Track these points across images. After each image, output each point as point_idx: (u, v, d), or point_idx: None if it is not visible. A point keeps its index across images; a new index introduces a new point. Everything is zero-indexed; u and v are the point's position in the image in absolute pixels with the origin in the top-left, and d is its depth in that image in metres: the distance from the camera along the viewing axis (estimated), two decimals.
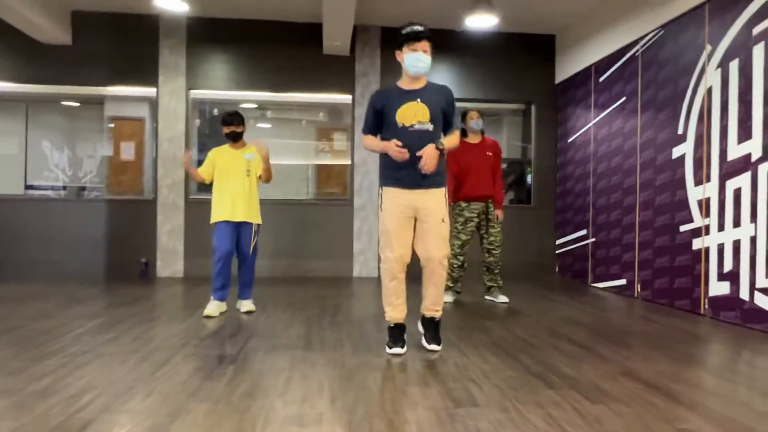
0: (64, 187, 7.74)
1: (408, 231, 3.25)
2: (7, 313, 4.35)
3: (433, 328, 3.40)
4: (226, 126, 4.47)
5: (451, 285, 5.21)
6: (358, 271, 7.07)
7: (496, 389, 2.65)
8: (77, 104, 7.88)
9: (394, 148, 3.09)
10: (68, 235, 6.77)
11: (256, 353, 3.26)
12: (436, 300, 3.35)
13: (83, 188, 7.75)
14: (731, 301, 4.30)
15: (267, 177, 4.52)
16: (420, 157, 3.12)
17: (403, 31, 3.21)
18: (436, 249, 3.22)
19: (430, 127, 3.19)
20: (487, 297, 5.31)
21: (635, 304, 5.19)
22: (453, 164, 5.00)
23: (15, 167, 7.74)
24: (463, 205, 5.06)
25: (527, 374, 2.90)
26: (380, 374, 2.88)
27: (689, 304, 4.77)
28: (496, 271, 5.19)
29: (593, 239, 6.41)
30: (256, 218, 4.50)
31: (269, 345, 3.46)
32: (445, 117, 3.28)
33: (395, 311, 3.33)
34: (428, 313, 3.40)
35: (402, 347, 3.27)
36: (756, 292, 4.07)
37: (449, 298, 5.20)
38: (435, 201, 3.23)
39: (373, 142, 3.32)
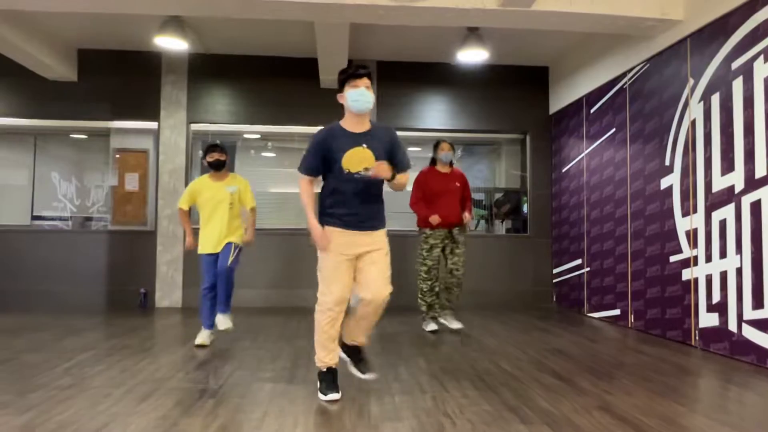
0: (71, 218, 7.89)
1: (350, 272, 3.12)
2: (0, 345, 4.44)
3: (358, 352, 3.29)
4: (209, 155, 4.57)
5: (426, 311, 5.25)
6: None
7: (469, 424, 2.67)
8: (85, 136, 8.10)
9: (321, 239, 3.06)
10: (70, 265, 6.90)
11: (238, 387, 3.30)
12: (366, 332, 3.28)
13: (90, 218, 7.91)
14: (720, 332, 4.29)
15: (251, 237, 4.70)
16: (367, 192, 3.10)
17: (342, 72, 3.16)
18: (383, 287, 3.12)
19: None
20: (440, 319, 5.28)
21: (628, 335, 5.17)
22: (419, 191, 5.22)
23: (23, 198, 7.93)
24: (428, 232, 5.18)
25: (503, 408, 2.92)
26: (357, 409, 2.90)
27: (680, 335, 4.75)
28: (456, 291, 5.21)
29: (588, 268, 6.42)
30: (237, 239, 4.58)
31: (253, 378, 3.50)
32: (391, 158, 3.16)
33: (329, 356, 3.17)
34: (351, 341, 3.28)
35: (338, 392, 3.10)
36: (744, 324, 4.06)
37: (433, 326, 5.21)
38: (379, 238, 3.18)
39: (310, 200, 3.15)
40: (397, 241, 7.78)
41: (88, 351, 4.24)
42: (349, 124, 3.15)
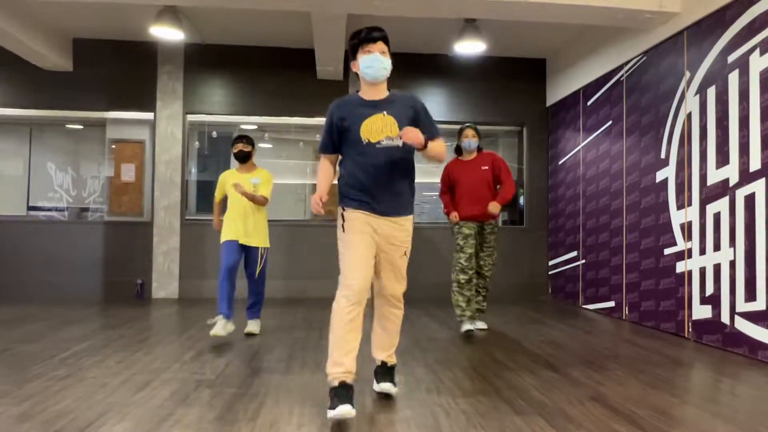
0: (67, 208, 7.87)
1: (372, 257, 2.77)
2: None
3: (386, 371, 2.98)
4: (234, 146, 4.64)
5: (464, 305, 4.71)
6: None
7: (463, 415, 2.69)
8: (80, 127, 8.06)
9: (317, 203, 2.71)
10: (67, 256, 6.90)
11: (234, 377, 3.32)
12: (392, 341, 2.99)
13: (86, 209, 7.89)
14: (713, 324, 4.32)
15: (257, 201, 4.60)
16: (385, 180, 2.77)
17: (354, 36, 2.79)
18: (398, 284, 2.90)
19: (399, 142, 2.74)
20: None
21: (622, 327, 5.20)
22: (444, 185, 4.96)
23: (18, 189, 7.91)
24: (461, 223, 4.83)
25: (497, 399, 2.94)
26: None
27: (674, 327, 4.79)
28: (484, 294, 5.03)
29: (583, 261, 6.45)
30: (262, 242, 4.59)
31: (249, 369, 3.52)
32: (419, 127, 2.75)
33: (344, 367, 2.61)
34: (380, 357, 2.97)
35: (352, 405, 2.53)
36: (736, 316, 4.09)
37: (468, 326, 4.70)
38: (404, 231, 2.86)
39: (321, 174, 2.90)
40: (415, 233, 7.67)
41: (84, 341, 4.25)
42: (366, 93, 2.82)
